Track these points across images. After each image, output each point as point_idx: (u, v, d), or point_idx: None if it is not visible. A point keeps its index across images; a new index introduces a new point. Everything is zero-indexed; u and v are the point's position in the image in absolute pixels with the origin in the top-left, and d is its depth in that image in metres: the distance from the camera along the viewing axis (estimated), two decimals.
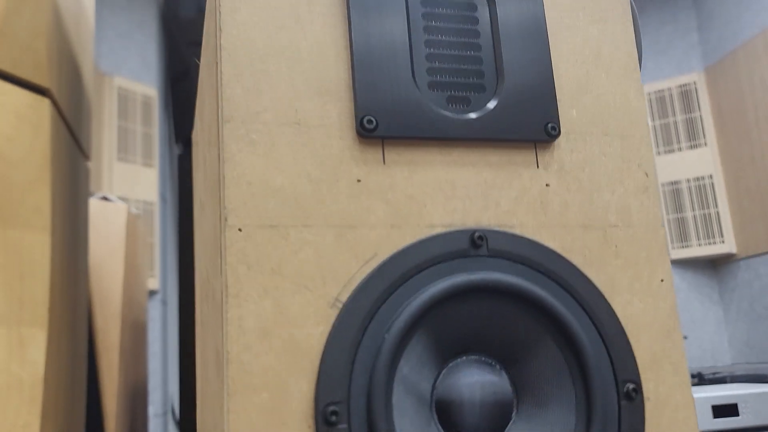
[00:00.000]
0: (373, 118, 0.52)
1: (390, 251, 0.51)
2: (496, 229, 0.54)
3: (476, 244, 0.53)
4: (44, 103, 0.41)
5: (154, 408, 2.78)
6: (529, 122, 0.56)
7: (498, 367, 0.54)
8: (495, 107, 0.55)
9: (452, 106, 0.55)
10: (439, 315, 0.51)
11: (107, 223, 0.95)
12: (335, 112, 0.53)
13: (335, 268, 0.50)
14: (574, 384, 0.53)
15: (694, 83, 3.12)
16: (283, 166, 0.51)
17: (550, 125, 0.57)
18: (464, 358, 0.54)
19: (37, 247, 0.38)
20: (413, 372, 0.51)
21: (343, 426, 0.47)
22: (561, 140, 0.57)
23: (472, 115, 0.55)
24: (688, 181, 3.00)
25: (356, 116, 0.52)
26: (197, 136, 0.81)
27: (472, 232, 0.53)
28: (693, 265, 3.02)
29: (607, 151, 0.58)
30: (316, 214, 0.50)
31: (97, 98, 2.79)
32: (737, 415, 1.54)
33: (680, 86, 3.15)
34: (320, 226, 0.50)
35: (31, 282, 0.38)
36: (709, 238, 2.97)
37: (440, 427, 0.52)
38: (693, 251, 2.93)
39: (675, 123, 3.05)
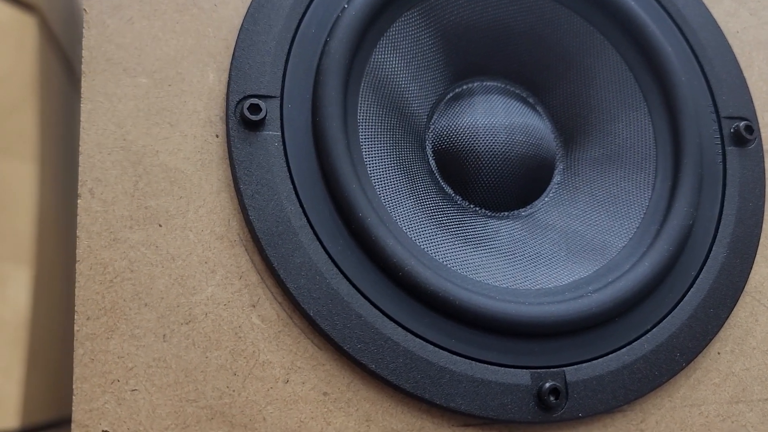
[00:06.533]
0: None
1: None
2: None
3: None
4: (31, 21, 0.38)
5: None
6: None
7: (531, 99, 0.35)
8: None
9: None
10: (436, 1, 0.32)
11: None
12: None
13: None
14: (651, 119, 0.33)
15: None
16: None
17: None
18: (478, 82, 0.35)
19: (20, 177, 0.36)
20: (395, 80, 0.32)
21: (272, 132, 0.28)
22: None
23: None
24: None
25: None
26: None
27: None
28: None
29: None
30: None
31: None
32: None
33: None
34: None
35: (12, 215, 0.35)
36: None
37: (440, 178, 0.33)
38: None
39: None
